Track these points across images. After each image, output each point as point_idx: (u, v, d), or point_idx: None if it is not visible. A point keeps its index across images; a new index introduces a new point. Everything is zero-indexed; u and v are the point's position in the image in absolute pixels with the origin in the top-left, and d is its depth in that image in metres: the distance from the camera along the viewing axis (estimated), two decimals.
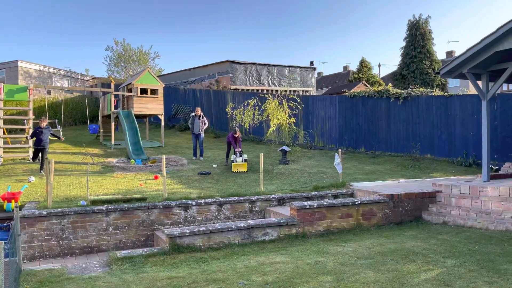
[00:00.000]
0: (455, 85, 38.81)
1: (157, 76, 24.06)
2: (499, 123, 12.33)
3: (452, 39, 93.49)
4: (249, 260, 5.90)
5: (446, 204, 8.41)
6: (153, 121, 23.68)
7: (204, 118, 14.78)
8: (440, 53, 34.51)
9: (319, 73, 59.84)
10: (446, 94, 14.04)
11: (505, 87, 38.14)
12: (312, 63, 30.89)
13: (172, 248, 6.40)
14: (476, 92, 9.20)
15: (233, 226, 6.87)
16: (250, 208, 8.75)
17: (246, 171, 12.49)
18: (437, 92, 15.02)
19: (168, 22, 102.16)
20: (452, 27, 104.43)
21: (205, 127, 14.72)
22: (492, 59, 8.39)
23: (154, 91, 17.04)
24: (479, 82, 8.88)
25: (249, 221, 7.19)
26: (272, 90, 24.85)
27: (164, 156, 9.04)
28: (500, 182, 8.46)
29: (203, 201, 8.35)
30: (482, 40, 7.93)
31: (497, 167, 11.77)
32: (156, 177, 11.31)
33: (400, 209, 8.28)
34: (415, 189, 8.95)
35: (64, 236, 7.44)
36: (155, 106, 17.07)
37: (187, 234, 6.51)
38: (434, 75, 27.56)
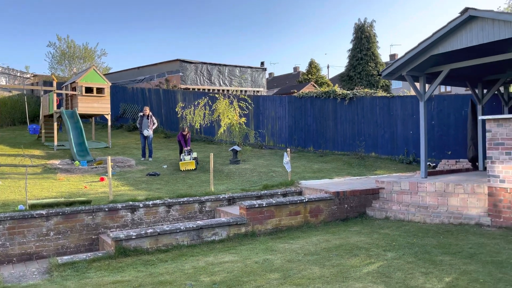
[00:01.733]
0: (398, 86, 40.81)
1: (104, 75, 23.22)
2: (436, 122, 13.12)
3: (395, 42, 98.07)
4: (198, 261, 5.86)
5: (388, 200, 8.83)
6: (100, 121, 22.82)
7: (153, 117, 14.46)
8: (384, 56, 36.18)
9: (270, 74, 60.58)
10: (388, 95, 14.73)
11: (442, 88, 40.64)
12: (262, 63, 31.20)
13: (118, 252, 6.22)
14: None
15: (182, 227, 6.79)
16: (200, 209, 8.69)
17: (195, 169, 12.40)
18: (381, 93, 15.73)
19: (116, 21, 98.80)
20: (395, 31, 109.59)
21: (154, 127, 14.41)
22: (428, 62, 8.91)
23: (100, 90, 16.42)
24: (417, 84, 9.40)
25: (198, 222, 7.15)
26: (223, 90, 24.80)
27: (109, 157, 8.74)
28: (437, 178, 9.00)
29: (151, 202, 8.17)
30: (419, 44, 8.40)
31: (434, 164, 12.52)
32: (102, 179, 10.91)
33: (346, 205, 8.58)
34: (359, 186, 9.32)
35: (0, 243, 6.98)
36: (101, 106, 16.46)
37: (133, 237, 6.34)
38: (377, 76, 28.78)
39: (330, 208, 8.38)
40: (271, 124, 17.60)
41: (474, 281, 4.61)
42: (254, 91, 27.37)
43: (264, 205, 7.63)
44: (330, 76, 51.91)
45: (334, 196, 8.44)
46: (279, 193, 9.42)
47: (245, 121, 15.26)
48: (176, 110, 15.87)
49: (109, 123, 16.87)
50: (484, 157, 10.37)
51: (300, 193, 9.61)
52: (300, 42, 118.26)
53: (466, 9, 7.50)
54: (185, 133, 13.44)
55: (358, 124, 15.06)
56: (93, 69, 16.67)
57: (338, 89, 16.01)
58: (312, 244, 6.53)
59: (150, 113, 14.48)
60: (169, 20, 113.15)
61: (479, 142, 10.62)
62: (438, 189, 8.20)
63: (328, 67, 62.31)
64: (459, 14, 7.63)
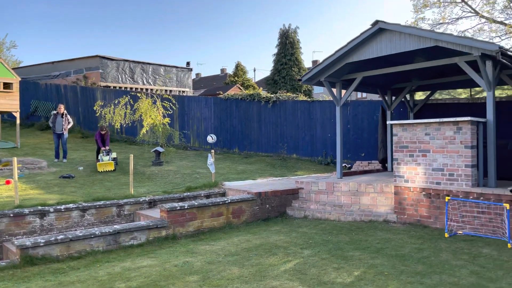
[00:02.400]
0: (319, 91, 42.74)
1: (13, 69, 21.30)
2: (351, 126, 13.98)
3: (318, 49, 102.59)
4: (114, 267, 5.62)
5: (307, 200, 9.21)
6: (7, 118, 20.86)
7: (68, 116, 13.57)
8: (307, 62, 37.77)
9: (197, 74, 60.03)
10: (309, 99, 15.37)
11: (359, 95, 43.37)
12: (188, 63, 30.83)
13: (24, 260, 5.74)
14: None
15: (97, 232, 6.46)
16: (118, 212, 8.33)
17: (114, 170, 11.88)
18: (302, 98, 16.36)
19: (28, 13, 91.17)
20: (318, 38, 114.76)
21: (69, 126, 13.52)
22: (344, 70, 9.48)
23: (7, 85, 15.03)
24: (334, 90, 9.94)
25: (115, 226, 6.84)
26: (147, 89, 24.06)
27: (15, 158, 8.03)
28: (351, 179, 9.59)
29: (63, 207, 7.66)
30: (335, 53, 8.90)
31: (349, 165, 13.32)
32: (8, 182, 9.96)
33: (267, 206, 8.79)
34: (281, 186, 9.60)
35: None
36: (8, 102, 15.07)
37: (41, 244, 5.90)
38: (297, 81, 29.90)
39: (252, 208, 8.52)
40: (196, 125, 17.45)
41: (380, 274, 4.99)
42: (179, 91, 26.91)
43: (186, 207, 7.54)
44: (257, 79, 52.89)
45: (256, 197, 8.60)
46: (202, 194, 9.37)
47: (169, 121, 14.93)
48: (95, 108, 15.05)
49: (18, 121, 15.51)
50: (392, 159, 11.26)
51: (223, 194, 9.65)
52: (228, 44, 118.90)
53: (377, 22, 8.10)
54: (103, 132, 12.80)
55: (281, 126, 15.51)
56: (0, 62, 15.21)
57: (262, 92, 16.38)
58: (233, 245, 6.59)
59: (65, 112, 13.57)
60: (91, 17, 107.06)
61: (388, 145, 11.51)
62: (351, 188, 8.74)
63: (254, 70, 63.45)
64: (371, 26, 8.21)
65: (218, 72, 58.12)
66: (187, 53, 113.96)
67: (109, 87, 22.60)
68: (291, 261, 5.60)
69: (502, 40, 16.30)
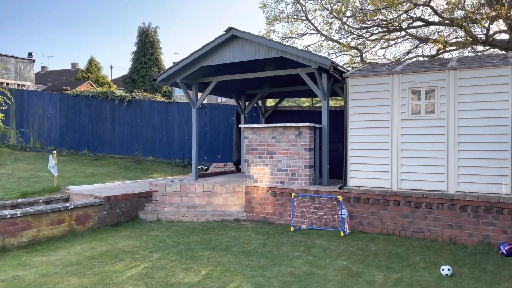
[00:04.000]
0: (180, 93, 42.52)
1: None
2: (208, 129, 14.26)
3: (179, 51, 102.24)
4: None
5: (160, 202, 9.03)
6: None
7: None
8: (168, 62, 37.20)
9: (43, 68, 53.78)
10: (166, 100, 15.16)
11: (219, 99, 44.64)
12: (30, 54, 27.26)
13: None
14: None
15: None
16: None
17: None
18: (159, 98, 16.05)
19: None
20: (180, 40, 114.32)
21: None
22: (200, 73, 9.61)
23: None
24: (191, 92, 9.99)
25: None
26: None
27: None
28: (206, 180, 9.76)
29: None
30: (191, 55, 8.97)
31: (206, 167, 13.56)
32: None
33: (117, 210, 8.33)
34: (133, 189, 9.21)
35: None
36: None
37: None
38: (153, 80, 29.36)
39: (100, 213, 7.97)
40: (38, 123, 15.57)
41: (226, 271, 5.18)
42: (19, 84, 23.64)
43: (18, 215, 6.63)
44: (114, 77, 49.91)
45: (104, 201, 8.07)
46: (41, 200, 8.38)
47: (2, 118, 13.00)
48: None
49: None
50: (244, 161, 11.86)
51: (67, 199, 8.80)
52: (82, 38, 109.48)
53: (230, 29, 8.44)
54: None
55: (136, 127, 14.92)
56: None
57: (116, 90, 15.51)
58: (75, 254, 6.05)
59: None
60: None
61: (242, 147, 12.09)
62: (205, 189, 8.90)
63: (111, 67, 59.68)
64: (224, 32, 8.52)
65: (69, 67, 53.04)
66: (32, 43, 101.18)
67: None
68: (138, 266, 5.40)
69: (337, 56, 18.72)
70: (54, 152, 9.49)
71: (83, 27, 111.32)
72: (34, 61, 25.14)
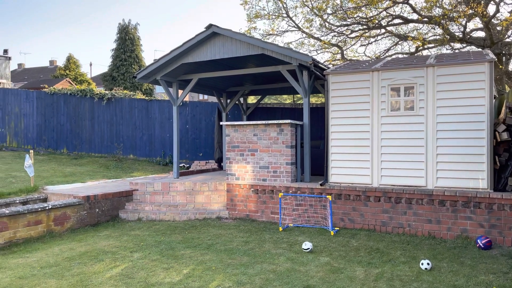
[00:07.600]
0: (161, 91, 42.10)
1: None
2: (190, 126, 14.15)
3: (160, 48, 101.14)
4: None
5: (141, 201, 8.91)
6: None
7: None
8: (148, 60, 36.72)
9: (20, 65, 52.49)
10: (147, 98, 14.96)
11: (201, 96, 44.34)
12: (6, 51, 26.49)
13: None
14: None
15: None
16: None
17: None
18: (139, 96, 15.83)
19: None
20: (161, 38, 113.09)
21: None
22: (181, 70, 9.50)
23: None
24: (171, 89, 9.88)
25: None
26: None
27: None
28: (187, 178, 9.68)
29: None
30: (171, 52, 8.85)
31: (188, 165, 13.46)
32: None
33: (97, 210, 8.18)
34: (113, 189, 9.06)
35: None
36: None
37: None
38: (133, 78, 29.05)
39: (79, 214, 7.81)
40: (14, 122, 15.18)
41: (208, 269, 5.14)
42: None
43: None
44: (94, 75, 49.07)
45: (84, 201, 7.92)
46: (17, 201, 8.17)
47: None
48: None
49: None
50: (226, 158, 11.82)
51: (45, 199, 8.61)
52: (60, 35, 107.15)
53: (210, 25, 8.37)
54: None
55: (116, 125, 14.69)
56: None
57: (95, 88, 15.23)
58: (53, 255, 5.92)
59: None
60: None
61: (224, 145, 12.03)
62: (187, 188, 8.82)
63: (91, 64, 58.65)
64: (205, 29, 8.44)
65: (47, 64, 51.87)
66: (8, 39, 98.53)
67: None
68: (118, 266, 5.31)
69: (318, 54, 18.83)
70: (31, 151, 9.26)
71: (62, 24, 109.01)
72: (10, 58, 24.52)
